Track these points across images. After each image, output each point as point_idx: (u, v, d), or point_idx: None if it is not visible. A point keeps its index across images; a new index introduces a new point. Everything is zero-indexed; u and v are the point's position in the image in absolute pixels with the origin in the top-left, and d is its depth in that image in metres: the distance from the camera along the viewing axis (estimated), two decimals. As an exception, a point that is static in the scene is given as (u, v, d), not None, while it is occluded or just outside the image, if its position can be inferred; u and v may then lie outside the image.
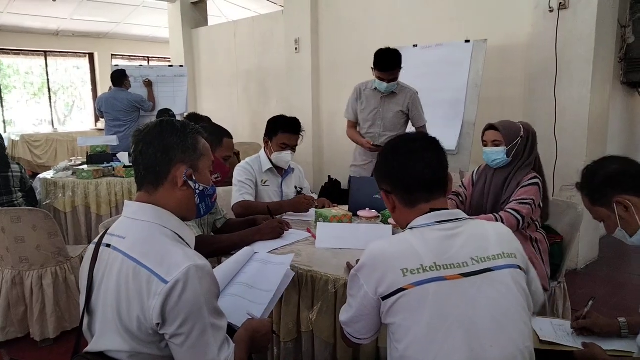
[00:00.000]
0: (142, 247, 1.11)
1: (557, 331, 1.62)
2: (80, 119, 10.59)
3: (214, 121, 5.22)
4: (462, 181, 2.61)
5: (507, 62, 3.98)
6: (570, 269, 3.80)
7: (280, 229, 2.04)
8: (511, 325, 1.12)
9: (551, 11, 3.56)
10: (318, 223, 2.10)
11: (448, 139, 3.60)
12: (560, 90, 3.57)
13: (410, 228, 1.23)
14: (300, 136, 2.67)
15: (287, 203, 2.52)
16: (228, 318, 1.25)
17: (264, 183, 2.63)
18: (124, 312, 1.07)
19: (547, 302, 2.37)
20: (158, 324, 1.05)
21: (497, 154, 2.29)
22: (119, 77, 5.16)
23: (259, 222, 2.17)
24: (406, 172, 1.24)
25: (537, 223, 2.39)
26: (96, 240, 1.24)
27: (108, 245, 1.17)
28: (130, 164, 4.00)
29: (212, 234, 2.28)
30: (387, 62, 3.11)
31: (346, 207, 2.50)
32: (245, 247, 1.75)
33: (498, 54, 3.94)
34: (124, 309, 1.07)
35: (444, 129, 3.54)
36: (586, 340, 1.55)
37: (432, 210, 1.21)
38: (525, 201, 2.23)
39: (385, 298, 1.13)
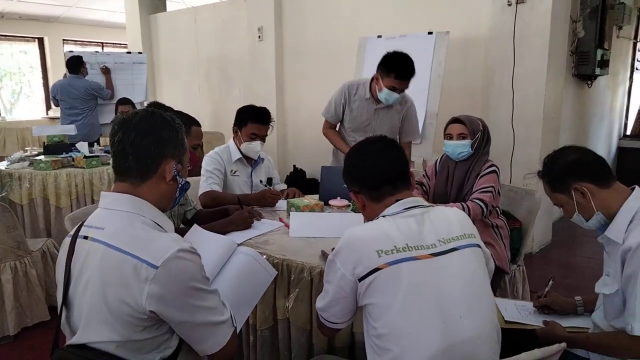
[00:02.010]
0: (124, 235, 1.11)
1: (521, 311, 1.72)
2: (28, 107, 10.07)
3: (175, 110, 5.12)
4: (425, 171, 2.69)
5: (468, 54, 4.10)
6: (526, 252, 3.99)
7: (252, 220, 2.05)
8: (478, 296, 1.23)
9: (509, 5, 3.69)
10: (291, 213, 2.12)
11: (412, 129, 3.68)
12: (517, 82, 3.72)
13: (383, 216, 1.32)
14: (270, 126, 2.68)
15: (252, 197, 2.50)
16: None
17: (234, 173, 2.62)
18: (111, 302, 1.07)
19: (507, 284, 2.51)
20: (151, 309, 1.05)
21: (463, 147, 2.36)
22: (76, 64, 4.96)
23: (230, 212, 2.16)
24: (371, 171, 1.36)
25: (497, 209, 2.50)
26: (72, 232, 1.21)
27: (85, 237, 1.16)
28: (92, 154, 3.90)
29: (182, 225, 2.26)
30: (407, 68, 2.67)
31: (315, 197, 2.53)
32: (226, 239, 1.74)
33: (460, 46, 4.05)
34: (111, 299, 1.07)
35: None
36: (547, 319, 1.66)
37: (397, 201, 1.32)
38: (486, 189, 2.33)
39: (361, 279, 1.21)
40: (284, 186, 2.81)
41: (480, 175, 2.37)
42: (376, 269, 1.19)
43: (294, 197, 2.56)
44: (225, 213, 2.19)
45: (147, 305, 1.04)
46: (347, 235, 1.28)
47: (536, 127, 3.73)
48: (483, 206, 2.29)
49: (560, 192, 1.54)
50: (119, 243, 1.09)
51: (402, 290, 1.17)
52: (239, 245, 1.83)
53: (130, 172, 1.19)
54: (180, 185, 1.28)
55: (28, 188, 3.51)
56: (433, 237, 1.25)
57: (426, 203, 1.35)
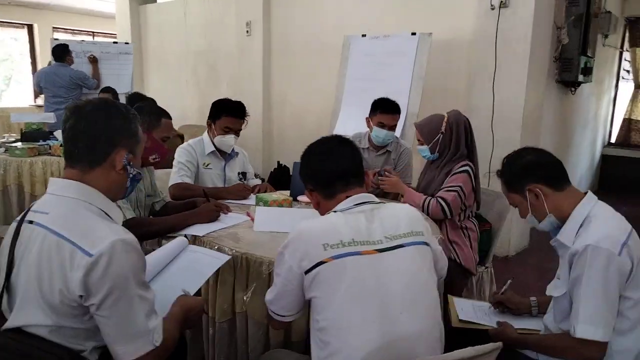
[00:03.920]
0: (66, 221, 1.11)
1: (477, 312, 1.73)
2: (19, 94, 9.97)
3: (160, 103, 5.11)
4: None
5: (451, 56, 4.11)
6: (502, 255, 4.03)
7: (217, 213, 2.05)
8: (420, 294, 1.24)
9: (492, 9, 3.71)
10: (257, 207, 2.12)
11: (392, 129, 3.69)
12: (498, 85, 3.74)
13: (335, 211, 1.33)
14: (245, 121, 2.67)
15: (225, 190, 2.51)
16: (159, 310, 1.28)
17: (206, 166, 2.62)
18: (45, 286, 1.07)
19: (474, 285, 2.53)
20: (81, 296, 1.05)
21: (423, 152, 2.45)
22: (61, 52, 4.92)
23: (198, 205, 2.16)
24: (323, 169, 1.39)
25: (471, 211, 2.51)
26: (19, 217, 1.21)
27: (31, 222, 1.16)
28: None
29: (150, 216, 2.25)
30: (391, 104, 2.81)
31: (287, 192, 2.53)
32: (179, 237, 1.75)
33: (443, 48, 4.06)
34: (46, 283, 1.07)
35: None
36: (503, 318, 1.68)
37: (348, 197, 1.34)
38: (452, 188, 2.34)
39: (307, 272, 1.22)
40: (258, 181, 2.82)
41: (452, 173, 2.38)
42: (321, 262, 1.20)
43: (265, 192, 2.56)
44: (193, 205, 2.19)
45: (77, 292, 1.04)
46: (297, 228, 1.30)
47: (515, 130, 3.75)
48: (444, 205, 2.30)
49: (515, 192, 1.55)
50: (59, 228, 1.09)
51: (345, 284, 1.18)
52: (201, 236, 1.87)
53: (79, 159, 1.20)
54: (131, 176, 1.28)
55: (2, 174, 3.48)
56: (380, 234, 1.26)
57: (377, 199, 1.36)
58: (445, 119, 2.40)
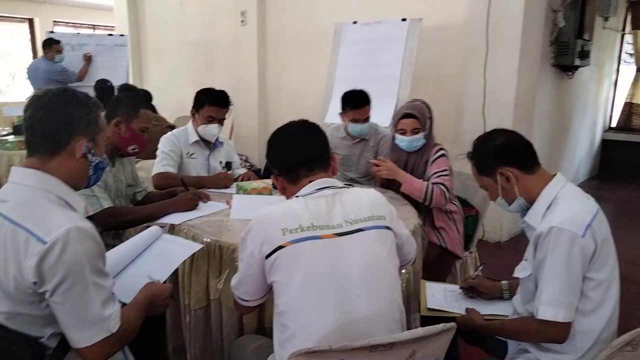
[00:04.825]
0: (22, 209, 1.12)
1: (448, 297, 1.73)
2: (22, 88, 10.04)
3: (158, 95, 5.12)
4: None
5: (443, 41, 4.07)
6: (494, 241, 4.02)
7: (195, 201, 2.06)
8: (378, 277, 1.24)
9: (484, -8, 3.66)
10: (234, 195, 2.13)
11: (383, 115, 3.67)
12: (490, 70, 3.71)
13: (297, 196, 1.33)
14: (229, 109, 2.67)
15: (207, 178, 2.52)
16: (128, 297, 1.30)
17: (190, 155, 2.63)
18: (1, 273, 1.09)
19: (458, 270, 2.53)
20: (35, 282, 1.06)
21: (418, 141, 2.37)
22: (44, 45, 4.96)
23: (178, 194, 2.17)
24: (287, 153, 1.38)
25: (451, 194, 2.50)
26: None
27: None
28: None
29: (132, 205, 2.27)
30: (358, 98, 2.76)
31: (269, 181, 2.52)
32: (153, 227, 1.76)
33: (435, 33, 4.02)
34: (1, 270, 1.09)
35: (378, 105, 3.60)
36: (474, 303, 1.69)
37: (311, 182, 1.33)
38: (442, 172, 2.33)
39: (267, 256, 1.23)
40: (243, 170, 2.82)
41: (431, 161, 2.37)
42: (280, 247, 1.21)
43: (249, 180, 2.56)
44: (173, 195, 2.19)
45: (31, 279, 1.06)
46: (258, 214, 1.31)
47: (507, 116, 3.72)
48: (444, 189, 2.30)
49: (486, 175, 1.54)
50: (15, 216, 1.11)
51: (302, 268, 1.19)
52: (178, 224, 1.89)
53: (38, 148, 1.21)
54: (94, 164, 1.29)
55: (-6, 168, 3.53)
56: (340, 218, 1.26)
57: (340, 184, 1.36)
58: (425, 105, 2.38)
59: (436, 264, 2.39)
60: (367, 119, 2.78)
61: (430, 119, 2.38)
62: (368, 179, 2.87)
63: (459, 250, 2.45)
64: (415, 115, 2.35)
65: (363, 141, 2.87)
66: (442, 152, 2.36)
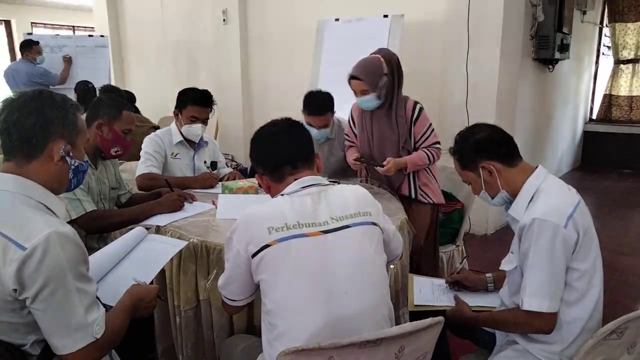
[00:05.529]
0: (1, 215, 1.10)
1: (435, 291, 1.75)
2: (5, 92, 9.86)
3: (141, 96, 5.05)
4: (345, 134, 2.63)
5: (426, 38, 4.09)
6: (481, 234, 4.06)
7: (180, 202, 2.04)
8: (366, 273, 1.24)
9: (464, -12, 3.69)
10: (219, 195, 2.12)
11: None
12: (471, 65, 3.74)
13: (282, 195, 1.32)
14: (212, 109, 2.65)
15: (192, 179, 2.51)
16: (114, 301, 1.29)
17: (175, 156, 2.61)
18: None
19: (445, 263, 2.55)
20: (15, 289, 1.04)
21: (370, 101, 2.28)
22: (23, 47, 4.87)
23: (163, 195, 2.15)
24: (271, 152, 1.37)
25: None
26: None
27: None
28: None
29: (116, 208, 2.25)
30: (316, 106, 2.58)
31: (255, 180, 2.52)
32: (137, 227, 1.75)
33: (417, 30, 4.04)
34: None
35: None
36: (462, 296, 1.70)
37: (296, 180, 1.32)
38: (429, 132, 2.34)
39: (254, 255, 1.22)
40: (229, 170, 2.80)
41: (414, 121, 2.32)
42: (266, 246, 1.20)
43: (234, 179, 2.55)
44: (158, 196, 2.17)
45: (11, 286, 1.03)
46: (244, 213, 1.30)
47: (490, 111, 3.76)
48: (438, 146, 2.37)
49: (469, 170, 1.56)
50: None
51: (290, 266, 1.19)
52: (163, 226, 1.87)
53: (15, 152, 1.19)
54: (73, 167, 1.27)
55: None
56: (326, 215, 1.26)
57: (325, 181, 1.36)
58: (383, 59, 2.26)
59: (429, 220, 2.44)
60: (323, 127, 2.61)
61: (388, 74, 2.24)
62: (344, 177, 2.74)
63: (442, 199, 2.52)
64: (358, 77, 2.25)
65: (329, 140, 2.77)
66: (419, 106, 2.33)
